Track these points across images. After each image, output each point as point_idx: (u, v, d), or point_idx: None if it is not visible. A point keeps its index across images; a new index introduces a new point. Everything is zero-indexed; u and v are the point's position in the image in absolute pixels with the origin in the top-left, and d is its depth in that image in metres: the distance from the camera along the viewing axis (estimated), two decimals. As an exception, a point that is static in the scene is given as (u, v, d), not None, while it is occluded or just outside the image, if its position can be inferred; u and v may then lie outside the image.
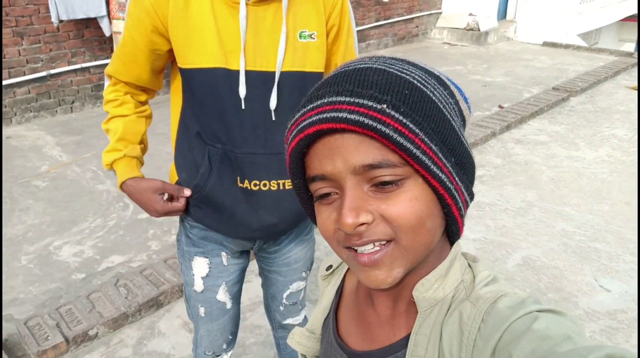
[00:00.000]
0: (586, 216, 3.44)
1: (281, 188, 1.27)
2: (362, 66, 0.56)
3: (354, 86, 0.53)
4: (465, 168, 0.59)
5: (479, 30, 8.47)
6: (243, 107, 1.20)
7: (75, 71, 4.98)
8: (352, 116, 0.51)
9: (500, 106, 5.49)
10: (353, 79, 0.54)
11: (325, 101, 0.54)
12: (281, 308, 1.59)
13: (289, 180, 1.21)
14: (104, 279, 2.74)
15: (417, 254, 0.57)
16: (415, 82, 0.55)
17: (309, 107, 0.55)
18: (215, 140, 1.24)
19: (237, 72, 1.18)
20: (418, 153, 0.52)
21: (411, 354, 0.59)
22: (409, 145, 0.52)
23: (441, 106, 0.56)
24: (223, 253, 1.42)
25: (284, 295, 1.56)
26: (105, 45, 5.10)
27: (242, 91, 1.19)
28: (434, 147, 0.54)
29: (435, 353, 0.57)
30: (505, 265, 2.90)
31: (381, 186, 0.54)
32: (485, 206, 3.56)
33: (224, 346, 1.56)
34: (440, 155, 0.54)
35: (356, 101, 0.52)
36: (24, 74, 4.69)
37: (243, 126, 1.22)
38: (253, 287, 2.55)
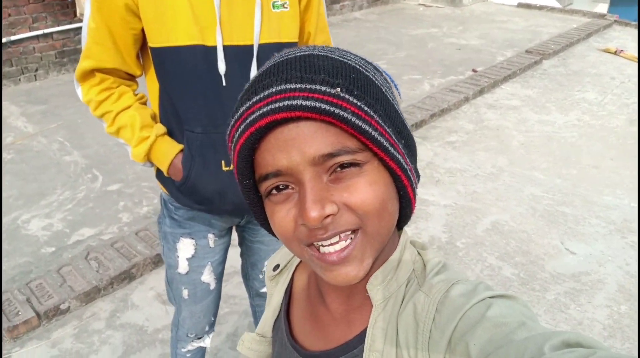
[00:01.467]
0: (555, 180, 3.51)
1: None
2: (302, 53, 0.54)
3: (303, 72, 0.51)
4: (412, 150, 0.59)
5: (455, -9, 8.37)
6: (224, 84, 1.17)
7: (37, 37, 4.77)
8: (308, 102, 0.48)
9: (474, 70, 5.49)
10: (299, 66, 0.52)
11: (274, 89, 0.50)
12: (260, 275, 1.59)
13: None
14: (74, 252, 2.71)
15: (382, 240, 0.56)
16: (358, 67, 0.54)
17: (255, 99, 0.51)
18: (194, 124, 1.20)
19: (214, 48, 1.15)
20: (376, 134, 0.51)
21: (369, 349, 0.58)
22: (367, 127, 0.50)
23: (384, 90, 0.55)
24: (210, 235, 1.40)
25: (266, 263, 1.53)
26: (67, 10, 4.88)
27: (222, 67, 1.16)
28: (387, 129, 0.53)
29: (392, 346, 0.56)
30: (475, 230, 2.96)
31: (340, 170, 0.52)
32: (457, 172, 3.60)
33: (207, 328, 1.56)
34: (393, 137, 0.54)
35: (308, 87, 0.49)
36: (-18, 41, 4.49)
37: (224, 104, 1.18)
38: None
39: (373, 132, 0.51)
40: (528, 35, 6.82)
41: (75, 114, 4.20)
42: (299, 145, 0.50)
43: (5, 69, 4.72)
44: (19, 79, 4.83)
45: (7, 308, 2.28)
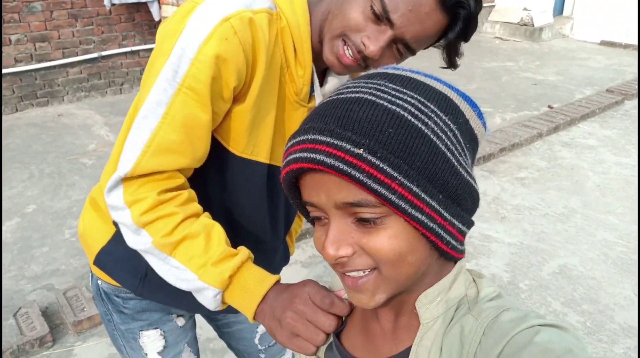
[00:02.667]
0: (631, 226, 3.29)
1: None
2: (352, 95, 0.56)
3: (336, 125, 0.54)
4: (460, 199, 0.56)
5: (533, 25, 8.18)
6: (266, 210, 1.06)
7: (125, 53, 5.13)
8: (329, 160, 0.53)
9: (549, 106, 5.30)
10: (339, 114, 0.54)
11: (309, 138, 0.55)
12: (262, 355, 1.33)
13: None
14: (140, 257, 2.84)
15: (399, 283, 0.59)
16: (406, 115, 0.53)
17: (297, 140, 0.57)
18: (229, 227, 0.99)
19: (278, 169, 1.01)
20: (394, 198, 0.52)
21: None
22: (383, 191, 0.52)
23: (434, 139, 0.53)
24: (173, 316, 1.15)
25: (256, 342, 1.30)
26: (154, 29, 5.22)
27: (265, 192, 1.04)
28: (414, 189, 0.52)
29: None
30: (540, 272, 2.82)
31: (362, 221, 0.56)
32: (525, 210, 3.46)
33: None
34: (422, 196, 0.53)
35: (335, 143, 0.53)
36: (77, 55, 4.88)
37: (268, 222, 1.07)
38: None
39: (389, 195, 0.52)
40: (610, 74, 6.52)
41: (153, 127, 4.44)
42: (325, 190, 0.56)
43: (94, 81, 5.09)
44: (106, 92, 5.20)
45: (74, 303, 2.41)
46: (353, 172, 0.52)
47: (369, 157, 0.51)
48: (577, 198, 3.63)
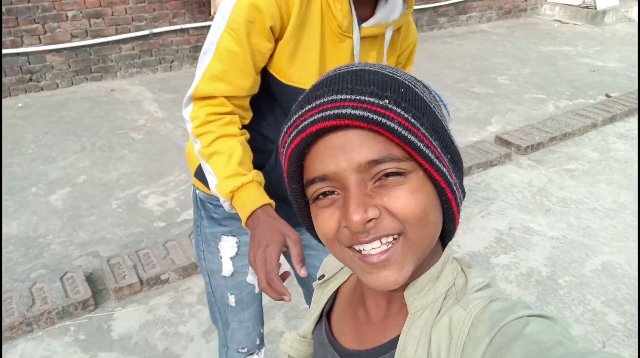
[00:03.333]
0: (687, 225, 3.11)
1: None
2: (355, 68, 0.57)
3: (353, 84, 0.53)
4: (458, 166, 0.60)
5: (596, 8, 7.74)
6: None
7: (175, 31, 5.24)
8: (357, 112, 0.51)
9: (607, 95, 5.04)
10: (350, 78, 0.54)
11: (326, 99, 0.53)
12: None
13: None
14: (180, 230, 2.94)
15: (424, 249, 0.57)
16: (407, 83, 0.56)
17: (307, 108, 0.55)
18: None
19: None
20: (422, 146, 0.53)
21: (400, 355, 0.59)
22: (413, 138, 0.52)
23: (432, 107, 0.57)
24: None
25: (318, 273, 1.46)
26: (204, 8, 5.29)
27: None
28: (434, 142, 0.55)
29: (423, 355, 0.57)
30: (582, 269, 2.72)
31: (384, 178, 0.54)
32: (572, 203, 3.34)
33: (257, 341, 1.46)
34: (439, 150, 0.55)
35: (358, 97, 0.52)
36: (129, 32, 5.02)
37: None
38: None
39: (419, 143, 0.53)
40: (679, 62, 6.11)
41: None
42: (346, 151, 0.53)
43: (145, 58, 5.23)
44: (156, 69, 5.34)
45: (117, 270, 2.54)
46: (384, 120, 0.51)
47: (395, 107, 0.52)
48: (629, 193, 3.46)
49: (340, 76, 0.56)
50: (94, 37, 4.88)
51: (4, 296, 2.31)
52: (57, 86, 4.87)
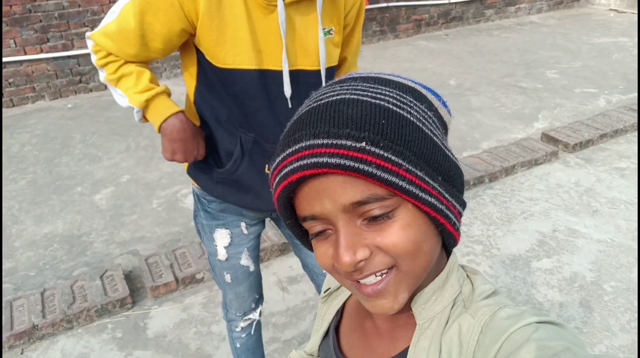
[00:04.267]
0: None
1: None
2: (334, 98, 0.54)
3: (330, 126, 0.52)
4: (453, 180, 0.58)
5: (657, -4, 7.29)
6: (290, 106, 1.26)
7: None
8: (333, 160, 0.51)
9: (666, 88, 4.74)
10: (328, 116, 0.53)
11: (304, 145, 0.53)
12: (322, 274, 1.61)
13: None
14: (216, 230, 2.99)
15: (418, 276, 0.58)
16: (391, 107, 0.53)
17: (288, 152, 0.54)
18: (247, 129, 1.29)
19: (271, 72, 1.22)
20: (404, 184, 0.52)
21: None
22: (393, 178, 0.51)
23: (420, 125, 0.54)
24: (242, 223, 1.49)
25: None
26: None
27: (288, 91, 1.24)
28: (419, 173, 0.53)
29: None
30: (630, 274, 2.57)
31: (373, 219, 0.54)
32: (621, 204, 3.16)
33: (253, 306, 1.67)
34: (427, 179, 0.54)
35: (334, 142, 0.51)
36: (174, 33, 5.14)
37: (281, 123, 1.24)
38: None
39: (400, 182, 0.51)
40: None
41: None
42: (329, 195, 0.53)
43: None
44: (200, 68, 5.44)
45: (154, 269, 2.61)
46: (361, 166, 0.50)
47: (373, 148, 0.51)
48: (687, 194, 3.24)
49: (318, 111, 0.54)
50: (139, 39, 5.03)
51: (47, 293, 2.42)
52: (105, 87, 5.05)
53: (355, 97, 0.54)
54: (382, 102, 0.53)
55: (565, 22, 7.19)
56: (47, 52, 4.67)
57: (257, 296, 1.68)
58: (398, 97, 0.55)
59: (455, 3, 6.86)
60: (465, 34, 6.83)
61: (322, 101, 0.55)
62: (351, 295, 0.77)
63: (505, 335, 0.52)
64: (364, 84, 0.56)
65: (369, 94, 0.54)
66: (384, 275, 0.56)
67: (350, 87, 0.56)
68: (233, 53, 1.18)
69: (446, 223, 0.56)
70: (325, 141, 0.51)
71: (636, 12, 7.43)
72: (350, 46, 1.40)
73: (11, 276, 2.63)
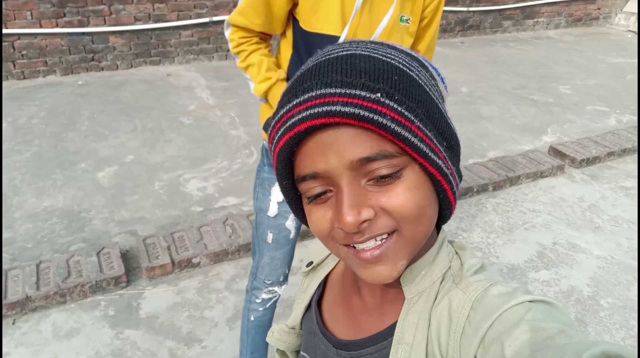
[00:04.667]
0: None
1: None
2: (345, 52, 0.52)
3: (343, 76, 0.49)
4: (454, 150, 0.57)
5: (677, 19, 7.25)
6: None
7: (233, 20, 5.31)
8: (347, 109, 0.48)
9: (678, 112, 4.71)
10: (340, 67, 0.50)
11: (314, 94, 0.50)
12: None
13: None
14: (216, 216, 2.98)
15: (418, 243, 0.57)
16: (402, 67, 0.52)
17: (295, 102, 0.51)
18: None
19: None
20: (416, 141, 0.50)
21: (398, 341, 0.58)
22: (406, 134, 0.49)
23: (428, 90, 0.53)
24: None
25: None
26: (263, -2, 5.34)
27: None
28: (429, 133, 0.52)
29: (423, 340, 0.57)
30: (628, 292, 2.55)
31: (379, 179, 0.52)
32: (624, 223, 3.14)
33: (281, 278, 1.72)
34: (435, 141, 0.53)
35: (348, 91, 0.48)
36: (190, 18, 5.14)
37: None
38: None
39: (412, 139, 0.50)
40: None
41: (250, 95, 4.55)
42: (337, 149, 0.50)
43: (203, 45, 5.35)
44: (213, 56, 5.44)
45: (151, 250, 2.60)
46: (376, 117, 0.48)
47: (387, 101, 0.49)
48: (692, 218, 3.21)
49: (329, 62, 0.52)
50: (156, 21, 5.03)
51: (42, 265, 2.42)
52: (117, 67, 5.06)
53: (367, 53, 0.52)
54: (392, 61, 0.52)
55: (583, 39, 7.16)
56: (63, 27, 4.67)
57: (286, 271, 1.73)
58: (407, 60, 0.54)
59: (474, 11, 6.83)
60: (481, 43, 6.80)
61: (332, 56, 0.53)
62: (333, 269, 0.76)
63: (497, 313, 0.51)
64: (373, 45, 0.55)
65: (380, 52, 0.53)
66: (384, 240, 0.54)
67: (360, 45, 0.54)
68: (323, 20, 1.35)
69: (448, 189, 0.55)
70: (338, 90, 0.49)
71: (654, 34, 7.40)
72: (424, 40, 1.49)
73: (8, 246, 2.63)
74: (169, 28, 5.11)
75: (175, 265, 2.55)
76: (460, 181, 0.58)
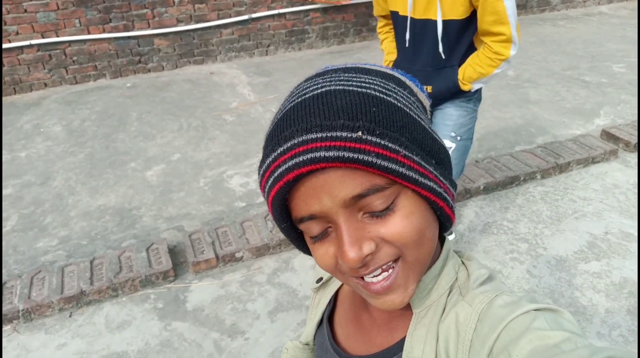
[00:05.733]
0: None
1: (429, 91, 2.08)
2: (320, 90, 0.52)
3: (322, 119, 0.50)
4: (444, 163, 0.58)
5: None
6: (406, 45, 2.12)
7: (273, 16, 5.36)
8: (330, 153, 0.48)
9: None
10: (317, 109, 0.50)
11: (296, 141, 0.50)
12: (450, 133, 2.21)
13: (430, 86, 2.09)
14: (258, 211, 3.04)
15: (424, 264, 0.57)
16: (378, 94, 0.52)
17: (279, 151, 0.51)
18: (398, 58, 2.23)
19: (401, 17, 2.06)
20: (404, 170, 0.51)
21: (407, 356, 0.59)
22: (393, 166, 0.50)
23: (408, 111, 0.53)
24: None
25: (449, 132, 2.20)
26: (301, -8, 5.36)
27: (407, 34, 2.08)
28: (416, 158, 0.52)
29: (432, 354, 0.57)
30: None
31: (374, 213, 0.53)
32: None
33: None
34: (423, 163, 0.53)
35: (329, 134, 0.49)
36: (230, 17, 5.23)
37: (406, 51, 2.15)
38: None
39: (400, 169, 0.50)
40: None
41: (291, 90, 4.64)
42: (328, 190, 0.51)
43: (243, 42, 5.43)
44: (253, 53, 5.52)
45: (197, 245, 2.69)
46: (360, 156, 0.48)
47: (369, 137, 0.49)
48: None
49: (306, 105, 0.52)
50: (197, 21, 5.15)
51: (96, 261, 2.56)
52: (163, 68, 5.22)
53: (341, 87, 0.52)
54: (368, 91, 0.52)
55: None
56: (109, 32, 4.86)
57: None
58: (382, 84, 0.54)
59: (519, -9, 6.58)
60: (527, 23, 6.54)
61: (307, 95, 0.53)
62: (343, 284, 0.76)
63: (503, 323, 0.51)
64: (346, 75, 0.55)
65: (354, 83, 0.53)
66: (391, 270, 0.55)
67: (333, 78, 0.54)
68: (395, 2, 2.04)
69: (445, 206, 0.56)
70: (319, 135, 0.49)
71: None
72: (485, 12, 1.87)
73: (65, 243, 2.79)
74: (210, 27, 5.22)
75: (219, 259, 2.63)
76: (455, 191, 0.59)
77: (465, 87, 2.06)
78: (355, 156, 0.48)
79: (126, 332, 2.26)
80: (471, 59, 2.03)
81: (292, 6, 5.39)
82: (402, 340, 0.61)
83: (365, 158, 0.48)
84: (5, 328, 2.28)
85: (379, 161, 0.49)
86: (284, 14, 5.40)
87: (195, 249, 2.68)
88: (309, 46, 5.74)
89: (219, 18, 5.20)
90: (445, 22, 1.95)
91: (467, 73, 2.03)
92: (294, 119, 0.52)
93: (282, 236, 2.75)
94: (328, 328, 0.74)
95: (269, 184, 0.53)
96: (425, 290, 0.60)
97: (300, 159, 0.49)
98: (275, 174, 0.52)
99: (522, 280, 2.52)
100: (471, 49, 2.06)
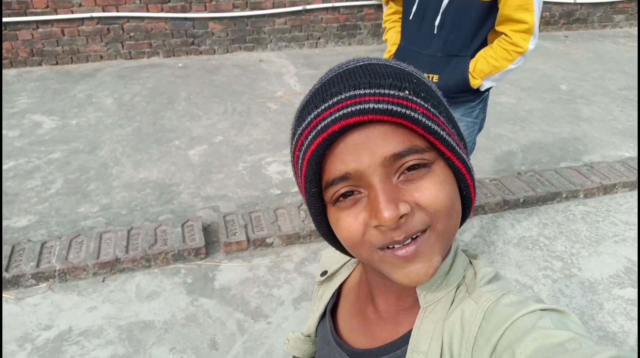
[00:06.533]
0: None
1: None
2: (362, 63, 0.55)
3: (370, 78, 0.51)
4: (468, 150, 0.62)
5: None
6: (410, 18, 1.96)
7: (326, 9, 5.38)
8: (380, 106, 0.49)
9: None
10: (364, 72, 0.52)
11: (344, 96, 0.50)
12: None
13: (437, 75, 1.95)
14: (292, 200, 3.08)
15: (450, 239, 0.57)
16: (415, 74, 0.56)
17: (324, 106, 0.51)
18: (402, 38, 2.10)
19: None
20: (445, 134, 0.53)
21: (412, 350, 0.58)
22: (436, 128, 0.52)
23: (439, 95, 0.57)
24: None
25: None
26: (357, -13, 5.35)
27: (413, 8, 1.94)
28: (451, 129, 0.55)
29: (437, 349, 0.57)
30: None
31: (409, 172, 0.52)
32: None
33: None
34: (457, 137, 0.56)
35: (378, 91, 0.50)
36: (285, 6, 5.27)
37: (415, 32, 1.97)
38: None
39: (441, 132, 0.52)
40: None
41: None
42: (369, 147, 0.51)
43: (295, 33, 5.47)
44: (304, 44, 5.55)
45: (230, 227, 2.75)
46: (408, 112, 0.50)
47: (415, 98, 0.51)
48: None
49: (351, 71, 0.53)
50: (252, 8, 5.22)
51: (133, 231, 2.65)
52: (214, 52, 5.32)
53: (383, 63, 0.55)
54: (407, 69, 0.56)
55: None
56: (167, 11, 4.99)
57: None
58: (416, 70, 0.58)
59: (582, 4, 6.37)
60: (586, 38, 6.34)
61: (350, 66, 0.55)
62: (347, 278, 0.76)
63: (509, 322, 0.51)
64: (386, 59, 0.58)
65: (393, 63, 0.56)
66: (417, 237, 0.53)
67: (371, 59, 0.57)
68: None
69: (472, 184, 0.57)
70: (368, 91, 0.50)
71: None
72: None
73: (105, 211, 2.90)
74: (264, 15, 5.28)
75: (250, 242, 2.68)
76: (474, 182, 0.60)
77: (474, 82, 1.89)
78: (404, 111, 0.49)
79: (155, 302, 2.34)
80: (484, 51, 1.87)
81: (347, 0, 5.40)
82: (407, 334, 0.60)
83: (413, 114, 0.50)
84: (41, 285, 2.40)
85: (424, 120, 0.51)
86: (338, 7, 5.41)
87: (228, 230, 2.73)
88: (359, 41, 5.73)
89: (274, 7, 5.25)
90: (470, 2, 1.79)
91: (479, 66, 1.87)
92: (340, 80, 0.53)
93: (313, 227, 2.77)
94: (330, 321, 0.74)
95: (308, 139, 0.52)
96: (434, 285, 0.60)
97: (349, 110, 0.50)
98: (319, 126, 0.51)
99: (553, 298, 2.46)
100: (485, 44, 1.91)
